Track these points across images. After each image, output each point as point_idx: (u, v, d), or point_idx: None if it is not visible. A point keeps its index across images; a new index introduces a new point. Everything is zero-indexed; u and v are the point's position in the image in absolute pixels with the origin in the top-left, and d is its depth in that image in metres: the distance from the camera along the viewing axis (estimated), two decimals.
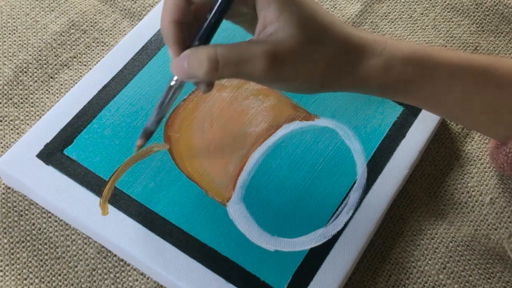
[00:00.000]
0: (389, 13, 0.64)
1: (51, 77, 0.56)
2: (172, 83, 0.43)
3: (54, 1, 0.61)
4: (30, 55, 0.57)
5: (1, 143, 0.53)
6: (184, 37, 0.42)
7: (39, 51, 0.58)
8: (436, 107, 0.46)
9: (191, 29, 0.42)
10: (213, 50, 0.39)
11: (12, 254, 0.48)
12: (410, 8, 0.65)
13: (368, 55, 0.42)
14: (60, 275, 0.47)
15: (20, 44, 0.58)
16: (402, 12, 0.64)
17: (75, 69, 0.57)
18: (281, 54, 0.39)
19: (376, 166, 0.51)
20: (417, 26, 0.63)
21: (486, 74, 0.44)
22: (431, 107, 0.46)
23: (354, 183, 0.50)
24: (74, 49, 0.58)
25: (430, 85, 0.43)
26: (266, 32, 0.40)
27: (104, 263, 0.48)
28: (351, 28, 0.42)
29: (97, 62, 0.57)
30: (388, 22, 0.63)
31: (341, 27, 0.42)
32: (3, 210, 0.49)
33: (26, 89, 0.55)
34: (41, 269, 0.47)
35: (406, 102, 0.45)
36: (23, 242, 0.48)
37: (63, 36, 0.59)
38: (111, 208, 0.47)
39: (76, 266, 0.47)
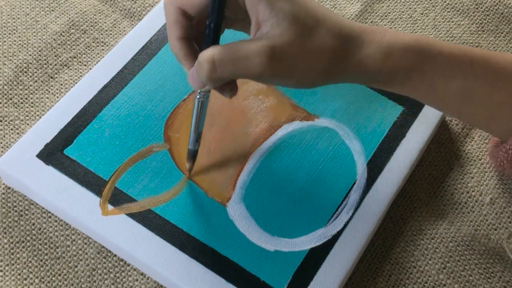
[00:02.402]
0: (389, 13, 0.64)
1: (51, 77, 0.56)
2: (198, 96, 0.44)
3: (54, 1, 0.61)
4: (30, 55, 0.57)
5: (1, 143, 0.53)
6: (193, 51, 0.42)
7: (39, 51, 0.58)
8: (436, 99, 0.45)
9: (199, 43, 0.42)
10: (210, 51, 0.39)
11: (12, 254, 0.48)
12: (410, 8, 0.65)
13: (367, 43, 0.42)
14: (60, 275, 0.47)
15: (20, 44, 0.58)
16: (402, 12, 0.64)
17: (75, 69, 0.57)
18: (278, 49, 0.39)
19: (376, 166, 0.51)
20: (417, 26, 0.63)
21: (486, 66, 0.44)
22: (431, 100, 0.45)
23: (354, 183, 0.50)
24: (74, 49, 0.58)
25: (430, 74, 0.43)
26: (261, 32, 0.40)
27: (104, 263, 0.47)
28: (347, 21, 0.42)
29: (97, 62, 0.57)
30: (388, 22, 0.63)
31: (336, 19, 0.42)
32: (3, 210, 0.49)
33: (26, 89, 0.55)
34: (41, 269, 0.47)
35: (406, 94, 0.44)
36: (23, 242, 0.48)
37: (63, 36, 0.59)
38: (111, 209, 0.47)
39: (76, 266, 0.47)
